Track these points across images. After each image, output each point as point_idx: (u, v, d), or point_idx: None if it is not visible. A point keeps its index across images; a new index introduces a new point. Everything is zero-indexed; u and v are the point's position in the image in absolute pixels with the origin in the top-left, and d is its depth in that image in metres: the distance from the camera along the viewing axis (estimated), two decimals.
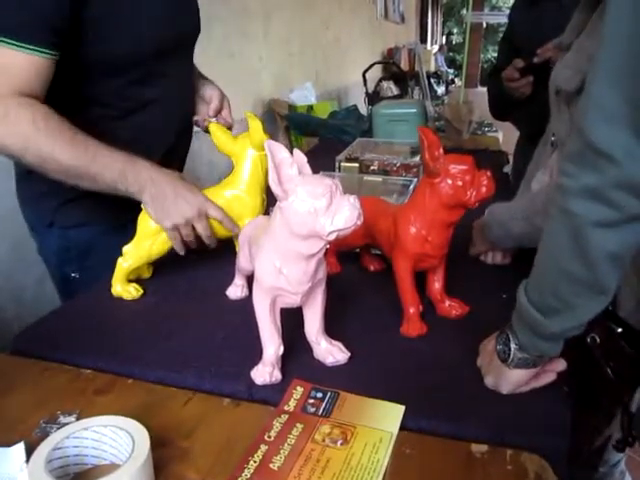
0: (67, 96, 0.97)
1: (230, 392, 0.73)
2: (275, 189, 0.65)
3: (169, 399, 0.71)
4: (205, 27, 1.28)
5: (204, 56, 1.37)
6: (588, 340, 0.79)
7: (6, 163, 1.73)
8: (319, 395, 0.71)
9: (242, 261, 0.91)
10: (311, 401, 0.70)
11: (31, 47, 0.86)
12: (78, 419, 0.66)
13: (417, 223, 0.83)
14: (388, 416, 0.68)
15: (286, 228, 0.67)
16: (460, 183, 0.79)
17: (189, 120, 1.22)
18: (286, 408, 0.69)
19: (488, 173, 0.81)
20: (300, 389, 0.72)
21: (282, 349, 0.76)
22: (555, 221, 0.62)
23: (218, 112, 1.21)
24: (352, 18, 5.79)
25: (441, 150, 0.80)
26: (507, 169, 1.76)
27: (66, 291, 1.17)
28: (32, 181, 1.09)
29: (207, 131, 1.22)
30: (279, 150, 0.66)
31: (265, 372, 0.74)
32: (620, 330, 0.79)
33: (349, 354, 0.79)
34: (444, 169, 0.80)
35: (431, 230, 0.83)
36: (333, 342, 0.80)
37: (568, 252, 0.60)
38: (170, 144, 1.15)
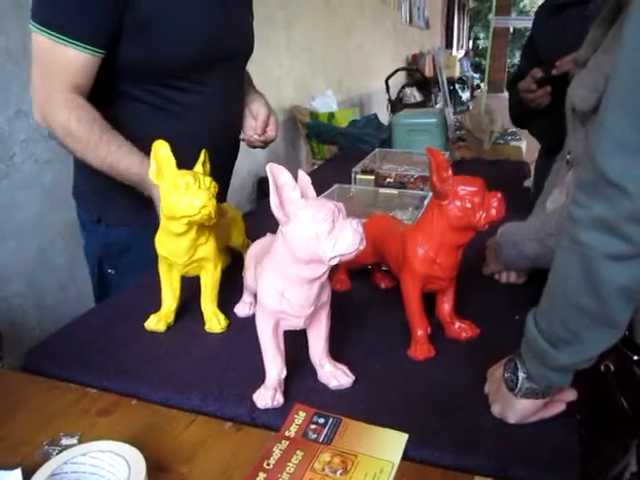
0: (103, 90, 1.06)
1: (233, 415, 0.73)
2: (277, 213, 0.64)
3: (172, 421, 0.71)
4: None
5: None
6: (602, 368, 0.77)
7: (33, 172, 1.80)
8: (321, 421, 0.70)
9: (249, 279, 0.91)
10: (313, 427, 0.69)
11: (88, 47, 0.98)
12: (80, 441, 0.66)
13: (425, 245, 0.82)
14: (390, 444, 0.66)
15: (288, 252, 0.66)
16: (469, 205, 0.78)
17: (233, 132, 1.27)
18: (287, 434, 0.68)
19: (498, 195, 0.79)
20: (302, 414, 0.71)
21: (285, 372, 0.75)
22: (565, 251, 0.60)
23: (264, 129, 1.26)
24: (375, 24, 5.78)
25: (450, 171, 0.79)
26: (528, 183, 1.72)
27: (102, 287, 1.24)
28: (84, 178, 1.20)
29: (251, 145, 1.29)
30: (281, 173, 0.65)
31: (267, 396, 0.73)
32: (636, 358, 0.77)
33: (353, 377, 0.78)
34: (453, 191, 0.78)
35: (440, 252, 0.82)
36: (338, 365, 0.79)
37: (578, 284, 0.58)
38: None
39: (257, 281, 0.75)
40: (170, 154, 0.82)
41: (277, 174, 0.65)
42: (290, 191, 0.65)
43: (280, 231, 0.67)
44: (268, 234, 0.89)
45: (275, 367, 0.74)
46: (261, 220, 1.22)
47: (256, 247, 0.88)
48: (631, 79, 0.52)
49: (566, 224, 0.59)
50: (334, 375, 0.77)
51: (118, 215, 1.18)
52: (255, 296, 0.93)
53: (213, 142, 1.01)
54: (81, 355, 0.85)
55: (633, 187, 0.51)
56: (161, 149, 0.82)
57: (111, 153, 1.01)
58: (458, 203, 0.78)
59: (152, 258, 0.91)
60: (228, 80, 1.19)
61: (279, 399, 0.74)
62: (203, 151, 0.88)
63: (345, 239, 0.63)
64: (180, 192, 0.80)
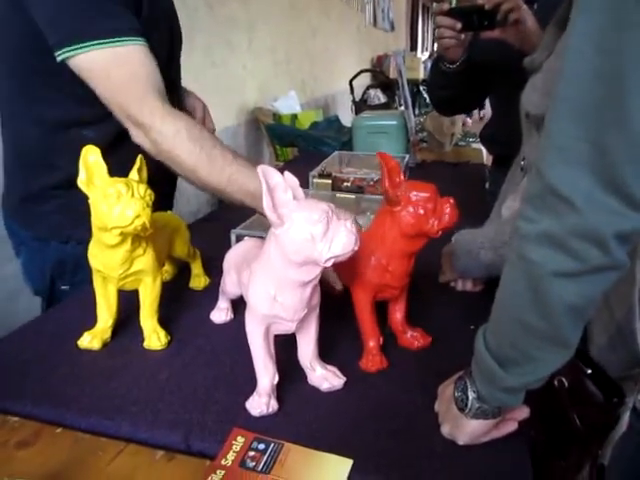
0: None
1: (165, 443, 0.67)
2: (270, 215, 0.62)
3: (97, 451, 0.65)
4: (188, 37, 1.28)
5: (187, 65, 1.33)
6: (555, 383, 0.74)
7: None
8: (261, 447, 0.65)
9: (228, 285, 0.87)
10: (251, 454, 0.64)
11: (140, 40, 0.91)
12: None
13: (377, 252, 0.78)
14: (333, 472, 0.62)
15: (281, 255, 0.64)
16: (422, 211, 0.74)
17: None
18: (223, 462, 0.63)
19: (451, 200, 0.76)
20: (241, 439, 0.66)
21: (277, 378, 0.73)
22: (512, 267, 0.56)
23: (202, 122, 1.23)
24: (340, 26, 5.76)
25: (402, 176, 0.75)
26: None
27: (55, 304, 1.13)
28: (43, 200, 1.09)
29: None
30: (273, 174, 0.63)
31: (261, 403, 0.71)
32: (589, 371, 0.74)
33: (344, 379, 0.77)
34: (405, 197, 0.74)
35: (391, 260, 0.78)
36: (328, 367, 0.77)
37: (526, 302, 0.54)
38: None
39: (246, 286, 0.72)
40: (101, 160, 0.76)
41: (268, 175, 0.62)
42: (282, 193, 0.63)
43: (272, 234, 0.65)
44: (246, 238, 0.86)
45: (267, 373, 0.72)
46: (220, 223, 1.18)
47: (236, 252, 0.85)
48: (575, 87, 0.49)
49: (513, 239, 0.56)
50: (325, 377, 0.76)
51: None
52: (232, 302, 0.93)
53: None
54: (5, 378, 0.78)
55: (580, 200, 0.48)
56: (91, 155, 0.76)
57: (229, 164, 0.93)
58: (411, 209, 0.74)
59: None
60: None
61: (274, 405, 0.71)
62: (139, 157, 0.82)
63: (340, 240, 0.62)
64: (111, 202, 0.74)
